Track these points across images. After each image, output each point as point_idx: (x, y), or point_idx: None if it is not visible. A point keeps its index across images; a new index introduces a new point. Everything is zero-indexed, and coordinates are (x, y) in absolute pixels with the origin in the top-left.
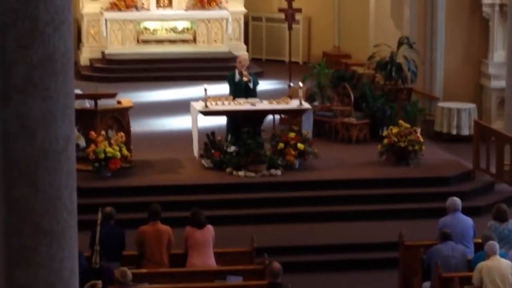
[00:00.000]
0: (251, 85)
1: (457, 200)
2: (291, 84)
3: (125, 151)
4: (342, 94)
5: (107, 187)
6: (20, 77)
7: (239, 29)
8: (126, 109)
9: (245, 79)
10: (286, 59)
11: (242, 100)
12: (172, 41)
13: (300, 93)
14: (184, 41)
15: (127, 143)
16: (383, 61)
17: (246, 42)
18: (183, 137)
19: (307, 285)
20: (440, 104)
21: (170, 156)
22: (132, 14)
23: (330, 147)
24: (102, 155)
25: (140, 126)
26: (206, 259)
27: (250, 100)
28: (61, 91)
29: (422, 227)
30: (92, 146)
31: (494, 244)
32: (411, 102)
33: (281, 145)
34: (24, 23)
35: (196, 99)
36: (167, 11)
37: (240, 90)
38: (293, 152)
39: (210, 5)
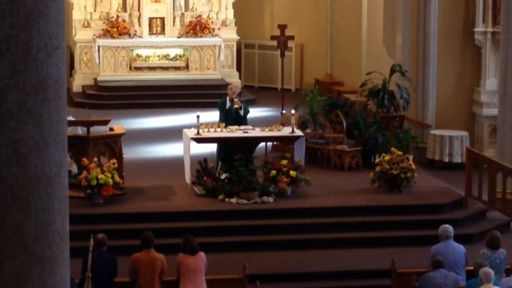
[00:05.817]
0: (241, 112)
1: (449, 228)
2: (284, 111)
3: (117, 178)
4: (335, 122)
5: (99, 213)
6: (13, 103)
7: (232, 56)
8: (119, 135)
9: (236, 106)
10: (279, 86)
11: (234, 127)
12: (164, 68)
13: (293, 120)
14: (176, 68)
15: (120, 169)
16: (376, 88)
17: (238, 69)
18: (175, 164)
19: None
20: (432, 131)
21: (162, 183)
22: (124, 41)
23: (323, 174)
24: (94, 182)
25: (132, 152)
26: (199, 286)
27: (243, 127)
28: (54, 117)
29: (414, 255)
30: (84, 173)
31: (490, 272)
32: (404, 129)
33: (273, 172)
34: (17, 49)
35: (189, 126)
36: (159, 38)
37: (231, 117)
38: (285, 179)
39: (203, 32)
